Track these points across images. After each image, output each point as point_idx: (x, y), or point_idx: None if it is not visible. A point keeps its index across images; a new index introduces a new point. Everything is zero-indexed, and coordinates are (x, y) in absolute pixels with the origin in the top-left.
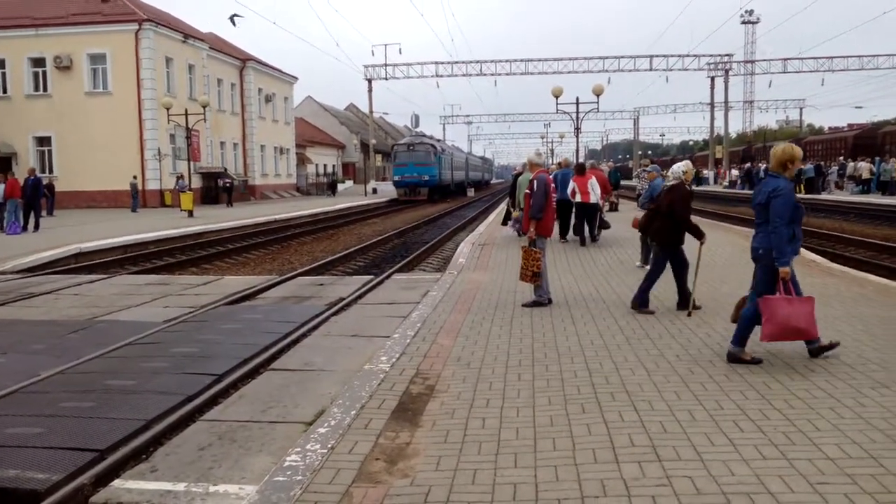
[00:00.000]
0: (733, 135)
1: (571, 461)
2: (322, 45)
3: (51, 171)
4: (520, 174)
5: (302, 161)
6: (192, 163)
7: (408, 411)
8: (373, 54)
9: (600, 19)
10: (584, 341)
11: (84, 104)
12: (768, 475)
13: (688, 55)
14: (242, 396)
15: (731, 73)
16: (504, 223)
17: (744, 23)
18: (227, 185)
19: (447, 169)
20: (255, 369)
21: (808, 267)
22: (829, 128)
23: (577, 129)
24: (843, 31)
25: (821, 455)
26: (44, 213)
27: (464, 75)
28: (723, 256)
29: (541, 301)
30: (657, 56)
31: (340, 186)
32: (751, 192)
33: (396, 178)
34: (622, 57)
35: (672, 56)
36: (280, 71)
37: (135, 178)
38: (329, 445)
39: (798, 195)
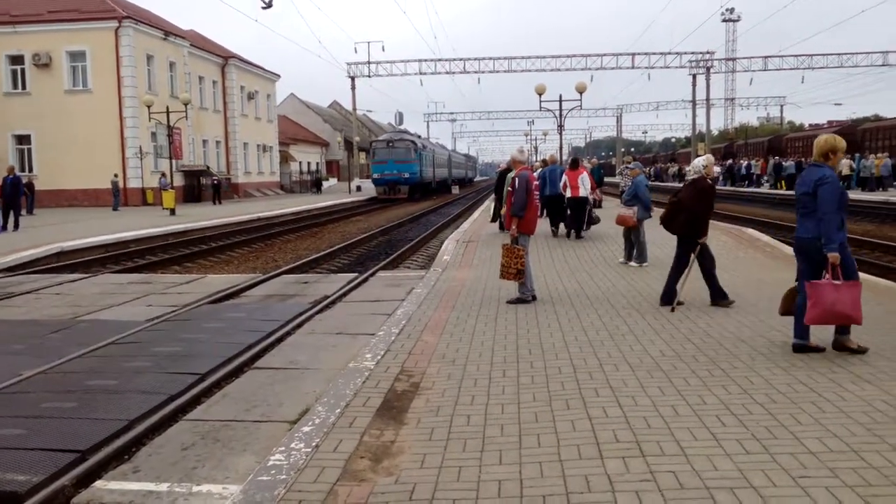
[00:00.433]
0: (715, 132)
1: (556, 457)
2: (305, 43)
3: (31, 170)
4: (505, 171)
5: (285, 159)
6: (174, 161)
7: (392, 409)
8: (356, 52)
9: (583, 18)
10: (568, 338)
11: (64, 102)
12: (751, 469)
13: (670, 53)
14: (226, 395)
15: (712, 70)
16: (493, 220)
17: (725, 21)
18: (215, 182)
19: (429, 166)
20: (239, 368)
21: (790, 262)
22: (810, 125)
23: (561, 127)
24: (823, 29)
25: (803, 449)
26: (24, 211)
27: (447, 73)
28: None
29: (525, 298)
30: (639, 54)
31: (324, 184)
32: (732, 188)
33: (375, 175)
34: (605, 55)
35: (654, 54)
36: (262, 68)
37: (116, 176)
38: (313, 444)
39: (779, 191)
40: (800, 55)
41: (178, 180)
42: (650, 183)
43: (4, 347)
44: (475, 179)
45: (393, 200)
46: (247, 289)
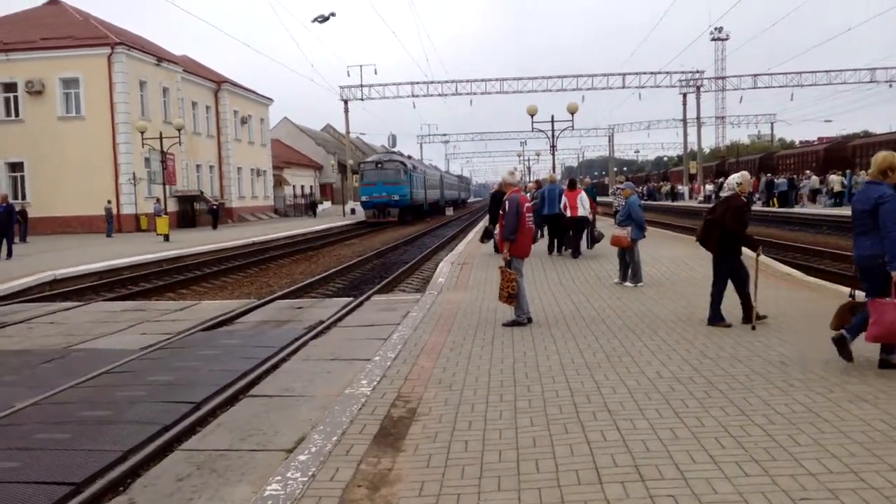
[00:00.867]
0: (707, 150)
1: (555, 483)
2: (297, 67)
3: (24, 197)
4: (498, 192)
5: (279, 183)
6: (167, 186)
7: (389, 436)
8: (348, 75)
9: (574, 40)
10: (564, 360)
11: (57, 129)
12: (751, 492)
13: (660, 72)
14: (221, 424)
15: (702, 89)
16: (482, 240)
17: (713, 40)
18: (214, 208)
19: (419, 188)
20: (234, 396)
21: (785, 280)
22: (801, 141)
23: (553, 147)
24: (811, 46)
25: (802, 470)
26: (17, 239)
27: (440, 95)
28: (701, 272)
29: (520, 321)
30: (630, 74)
31: (319, 207)
32: None
33: (364, 198)
34: (596, 75)
35: (644, 73)
36: (255, 93)
37: (109, 202)
38: (310, 473)
39: (772, 209)
40: (789, 73)
41: (172, 206)
42: (643, 202)
43: None
44: (469, 200)
45: (383, 224)
46: (241, 315)
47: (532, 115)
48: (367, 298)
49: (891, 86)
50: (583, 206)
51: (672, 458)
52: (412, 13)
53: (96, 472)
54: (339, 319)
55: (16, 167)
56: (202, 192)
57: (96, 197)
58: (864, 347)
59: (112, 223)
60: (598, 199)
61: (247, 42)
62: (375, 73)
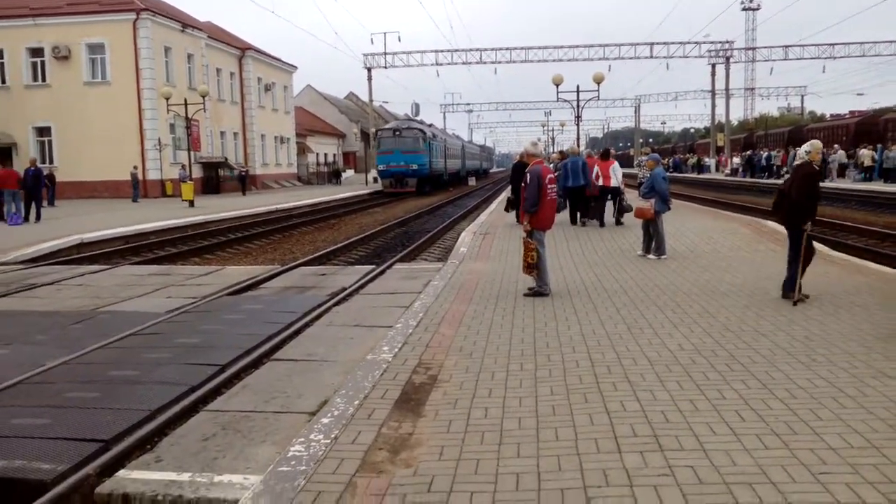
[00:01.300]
0: (735, 122)
1: (574, 451)
2: (321, 34)
3: (51, 162)
4: (520, 163)
5: (302, 150)
6: (192, 153)
7: (410, 401)
8: (372, 42)
9: (600, 6)
10: (585, 331)
11: (83, 94)
12: (770, 465)
13: (688, 42)
14: (245, 387)
15: (731, 60)
16: (507, 209)
17: (744, 9)
18: (243, 174)
19: (439, 157)
20: (258, 359)
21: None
22: (831, 115)
23: (578, 118)
24: (844, 17)
25: (823, 444)
26: (45, 203)
27: (463, 63)
28: (726, 246)
29: (542, 291)
30: (657, 44)
31: (342, 175)
32: (752, 180)
33: (381, 167)
34: (622, 45)
35: (672, 43)
36: (279, 60)
37: (135, 168)
38: (332, 436)
39: None
40: (821, 44)
41: (197, 172)
42: (668, 174)
43: (27, 338)
44: (491, 171)
45: (400, 194)
46: (265, 280)
47: (557, 85)
48: (390, 267)
49: None
50: (615, 176)
51: (692, 430)
52: None
53: (124, 430)
54: (362, 287)
55: (43, 132)
56: (226, 159)
57: (122, 162)
58: (890, 323)
59: (138, 188)
60: (623, 170)
61: (271, 9)
62: (399, 40)
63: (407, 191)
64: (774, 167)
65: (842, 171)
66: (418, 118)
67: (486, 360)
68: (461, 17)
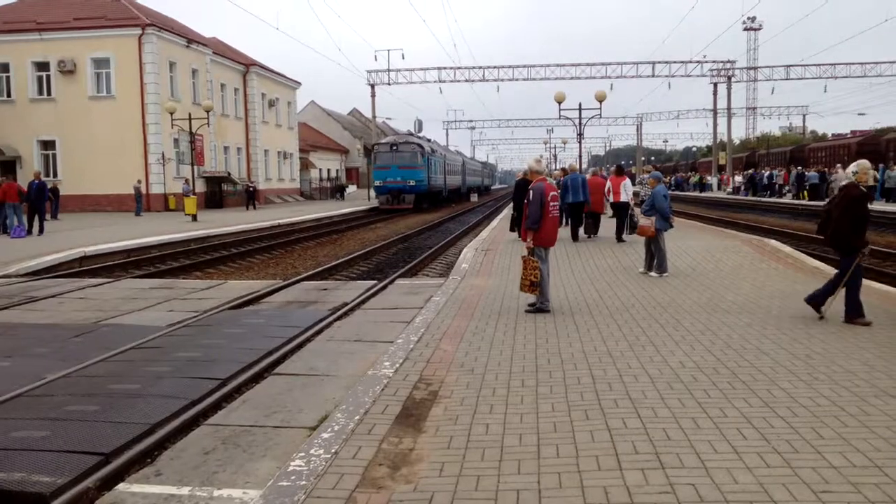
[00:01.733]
0: (736, 141)
1: (575, 468)
2: (325, 51)
3: (55, 175)
4: (523, 180)
5: (305, 166)
6: (195, 167)
7: (411, 417)
8: (376, 59)
9: (603, 26)
10: (587, 348)
11: (88, 108)
12: (772, 483)
13: (690, 61)
14: (246, 401)
15: (733, 79)
16: (511, 229)
17: (746, 29)
18: (250, 189)
19: (438, 173)
20: (259, 374)
21: (813, 274)
22: (833, 135)
23: (580, 135)
24: (845, 38)
25: (825, 463)
26: (48, 216)
27: (466, 81)
28: (728, 264)
29: (543, 308)
30: (660, 62)
31: (346, 191)
32: (755, 198)
33: (377, 183)
34: (625, 63)
35: (675, 62)
36: (283, 76)
37: (139, 182)
38: (332, 451)
39: (802, 202)
40: (822, 64)
41: (200, 186)
42: (671, 192)
43: (28, 351)
44: (493, 188)
45: (397, 211)
46: (267, 295)
47: (559, 103)
48: (391, 282)
49: None
50: (626, 192)
51: (693, 448)
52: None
53: (124, 443)
54: (363, 302)
55: (48, 145)
56: (230, 174)
57: (126, 176)
58: (892, 342)
59: (141, 202)
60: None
61: (276, 25)
62: (403, 57)
63: (403, 208)
64: (777, 186)
65: None
66: (421, 134)
67: (488, 376)
68: (464, 35)
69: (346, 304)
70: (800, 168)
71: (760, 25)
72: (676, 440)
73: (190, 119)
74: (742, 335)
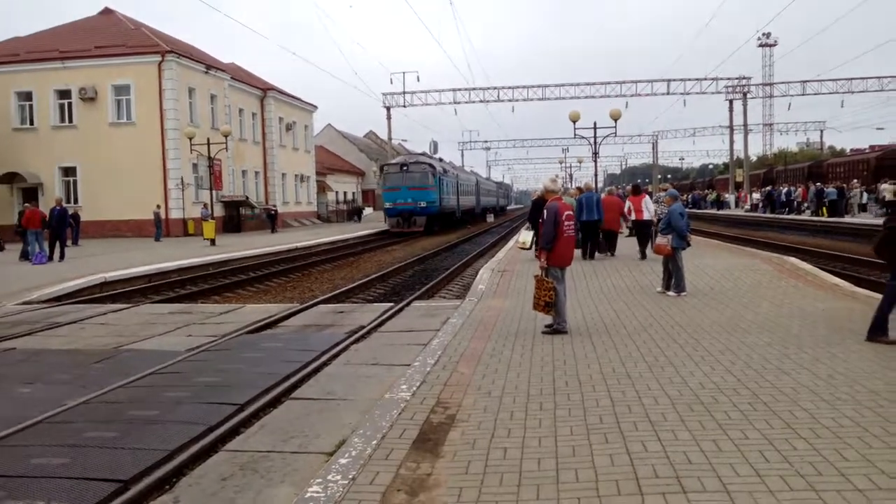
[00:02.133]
0: (753, 158)
1: (594, 493)
2: (341, 74)
3: (76, 201)
4: (539, 199)
5: (322, 189)
6: (214, 191)
7: (429, 441)
8: (391, 82)
9: (617, 45)
10: (605, 369)
11: (108, 134)
12: None
13: (706, 79)
14: (264, 426)
15: (749, 95)
16: (529, 248)
17: (761, 45)
18: (272, 213)
19: (451, 194)
20: (277, 398)
21: (832, 292)
22: (851, 149)
23: (596, 154)
24: (862, 52)
25: (849, 486)
26: (69, 242)
27: (481, 101)
28: (747, 282)
29: (560, 329)
30: (675, 80)
31: (363, 213)
32: (773, 215)
33: (387, 205)
34: (640, 81)
35: (690, 80)
36: (300, 100)
37: (158, 207)
38: (350, 476)
39: (821, 218)
40: (839, 79)
41: (219, 211)
42: (687, 210)
43: (49, 377)
44: (509, 208)
45: (407, 234)
46: (284, 318)
47: (574, 122)
48: (408, 304)
49: None
50: (647, 209)
51: (715, 471)
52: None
53: (143, 470)
54: (380, 325)
55: (69, 171)
56: (248, 198)
57: (145, 201)
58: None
59: (160, 227)
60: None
61: (292, 50)
62: (418, 80)
63: (415, 230)
64: (795, 202)
65: (864, 207)
66: (437, 155)
67: (505, 399)
68: (479, 56)
69: (363, 326)
70: (818, 184)
71: (776, 41)
72: (697, 463)
73: (208, 144)
74: (762, 355)
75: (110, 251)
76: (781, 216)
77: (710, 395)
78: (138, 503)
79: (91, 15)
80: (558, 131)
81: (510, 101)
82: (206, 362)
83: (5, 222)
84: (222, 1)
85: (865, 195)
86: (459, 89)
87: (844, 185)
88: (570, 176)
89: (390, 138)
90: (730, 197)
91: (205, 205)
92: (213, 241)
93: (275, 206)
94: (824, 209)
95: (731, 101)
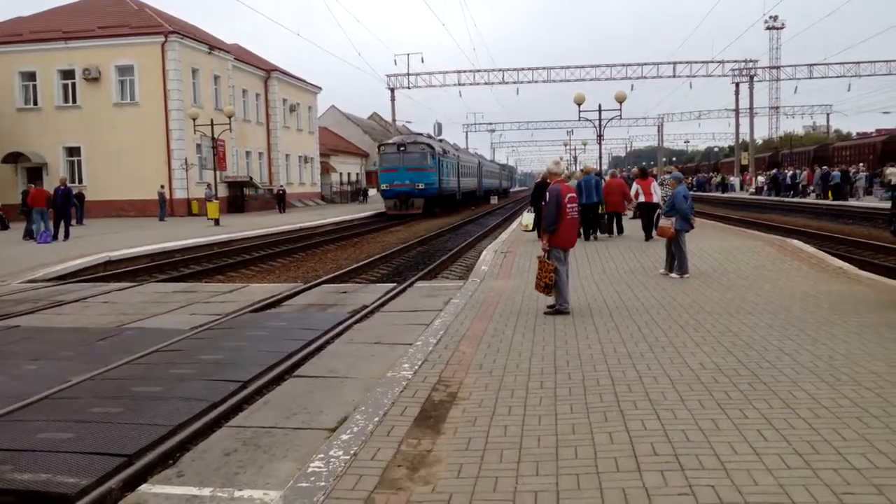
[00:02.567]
0: (759, 141)
1: (593, 470)
2: (345, 55)
3: (80, 181)
4: (542, 182)
5: (326, 170)
6: (218, 172)
7: (430, 418)
8: (395, 63)
9: (623, 27)
10: (606, 349)
11: (112, 115)
12: (793, 485)
13: (712, 61)
14: (267, 403)
15: (756, 79)
16: (532, 229)
17: (768, 28)
18: (281, 192)
19: (451, 175)
20: (280, 376)
21: (836, 275)
22: (857, 133)
23: (600, 137)
24: (870, 35)
25: (847, 465)
26: (73, 222)
27: (486, 83)
28: (750, 264)
29: (562, 309)
30: (681, 63)
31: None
32: (777, 198)
33: (383, 186)
34: (645, 64)
35: (696, 62)
36: (304, 81)
37: (162, 187)
38: (352, 452)
39: (826, 202)
40: (846, 63)
41: (222, 191)
42: (692, 193)
43: (54, 354)
44: (512, 190)
45: (405, 217)
46: (288, 298)
47: (579, 104)
48: (411, 285)
49: None
50: (656, 192)
51: (713, 449)
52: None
53: (147, 444)
54: (383, 304)
55: (73, 151)
56: (251, 178)
57: (150, 182)
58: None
59: (165, 207)
60: None
61: (296, 31)
62: (422, 61)
63: (413, 213)
64: (800, 186)
65: (869, 190)
66: (441, 137)
67: (506, 378)
68: (484, 38)
69: (366, 306)
70: (824, 167)
71: (783, 24)
72: (696, 441)
73: (212, 125)
74: (764, 336)
75: (114, 231)
76: (786, 199)
77: (711, 376)
78: (142, 477)
79: None
80: (563, 114)
81: (515, 83)
82: (210, 340)
83: (10, 202)
84: None
85: (864, 178)
86: (464, 71)
87: (850, 169)
88: (575, 159)
89: (394, 119)
90: (735, 180)
91: (209, 185)
92: (217, 222)
93: (283, 186)
94: (830, 192)
95: (737, 85)
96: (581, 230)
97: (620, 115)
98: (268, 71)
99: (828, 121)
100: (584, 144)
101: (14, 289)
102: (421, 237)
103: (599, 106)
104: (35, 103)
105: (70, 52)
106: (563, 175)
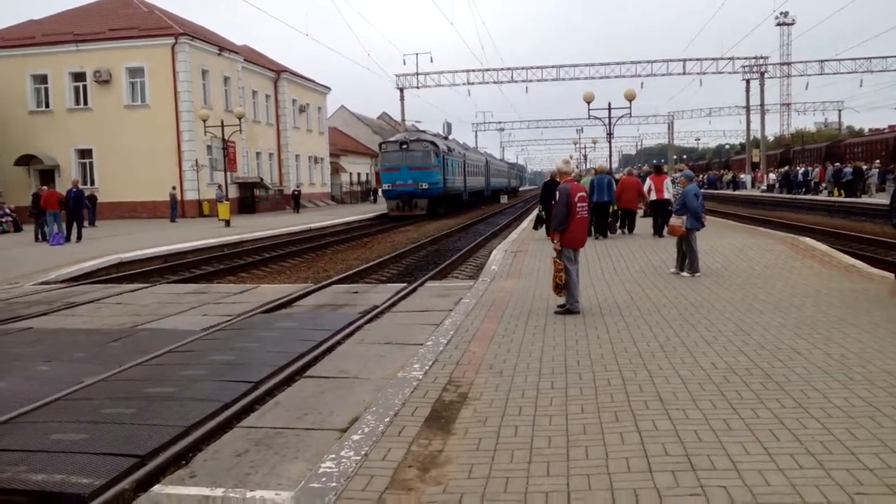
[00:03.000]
0: (770, 138)
1: (604, 470)
2: (354, 56)
3: (92, 183)
4: (551, 181)
5: (336, 170)
6: (228, 173)
7: (440, 419)
8: (404, 63)
9: (633, 24)
10: (617, 349)
11: (123, 117)
12: (804, 485)
13: (722, 58)
14: (278, 403)
15: (766, 75)
16: (535, 227)
17: (779, 24)
18: (296, 193)
19: (456, 174)
20: (291, 377)
21: (848, 272)
22: (870, 129)
23: (610, 135)
24: (882, 30)
25: (859, 465)
26: (86, 223)
27: (495, 82)
28: (761, 263)
29: (573, 309)
30: (691, 60)
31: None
32: (789, 196)
33: (385, 186)
34: (655, 61)
35: (706, 59)
36: (313, 81)
37: (173, 188)
38: (363, 452)
39: (838, 199)
40: (858, 58)
41: (233, 192)
42: (703, 191)
43: (67, 355)
44: (521, 189)
45: (408, 218)
46: (298, 298)
47: (588, 102)
48: (421, 284)
49: None
50: (667, 190)
51: (725, 449)
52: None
53: (160, 445)
54: (393, 305)
55: (85, 153)
56: (262, 179)
57: (161, 183)
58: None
59: (176, 209)
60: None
61: (305, 31)
62: (431, 61)
63: (416, 214)
64: (812, 183)
65: (881, 187)
66: (450, 137)
67: (517, 378)
68: (492, 37)
69: (377, 307)
70: (837, 164)
71: (793, 20)
72: (708, 442)
73: (222, 126)
74: (776, 335)
75: (126, 232)
76: (798, 196)
77: (722, 375)
78: (155, 478)
79: None
80: (573, 112)
81: (524, 81)
82: (222, 341)
83: (23, 204)
84: None
85: (877, 174)
86: (473, 70)
87: (863, 165)
88: (585, 157)
89: (403, 119)
90: (746, 177)
91: (219, 186)
92: (227, 223)
93: (298, 188)
94: (841, 190)
95: (747, 81)
96: (592, 228)
97: (630, 113)
98: (277, 72)
99: (839, 117)
100: (594, 142)
101: (27, 290)
102: (431, 237)
103: (609, 104)
104: (47, 106)
105: (81, 54)
106: (573, 174)
